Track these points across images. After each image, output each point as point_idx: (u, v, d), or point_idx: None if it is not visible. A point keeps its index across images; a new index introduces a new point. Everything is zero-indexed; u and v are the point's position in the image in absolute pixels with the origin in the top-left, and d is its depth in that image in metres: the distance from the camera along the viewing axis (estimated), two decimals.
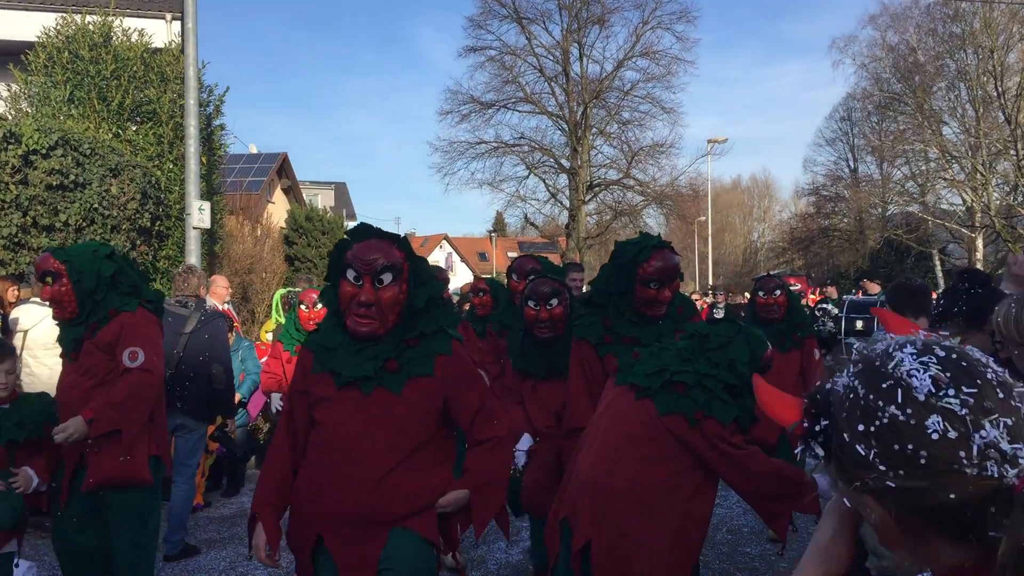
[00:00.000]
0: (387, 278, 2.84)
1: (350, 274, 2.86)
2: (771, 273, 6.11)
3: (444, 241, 58.74)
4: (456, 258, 56.87)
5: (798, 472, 3.15)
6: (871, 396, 1.02)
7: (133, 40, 13.50)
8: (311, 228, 24.15)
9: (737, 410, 3.10)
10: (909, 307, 4.11)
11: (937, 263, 33.24)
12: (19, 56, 13.13)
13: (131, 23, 13.96)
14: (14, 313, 6.56)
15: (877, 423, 1.00)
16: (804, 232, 42.55)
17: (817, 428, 1.10)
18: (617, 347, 3.79)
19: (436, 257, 55.74)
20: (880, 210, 37.19)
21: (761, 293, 6.08)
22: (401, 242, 2.96)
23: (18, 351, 6.26)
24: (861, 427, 1.02)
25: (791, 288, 6.41)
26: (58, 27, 13.25)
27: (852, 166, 42.19)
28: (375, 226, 2.99)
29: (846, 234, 39.82)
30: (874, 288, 12.07)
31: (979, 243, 31.21)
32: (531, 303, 4.45)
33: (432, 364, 2.89)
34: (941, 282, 29.99)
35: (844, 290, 19.04)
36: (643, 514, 3.06)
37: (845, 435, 1.04)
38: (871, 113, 37.75)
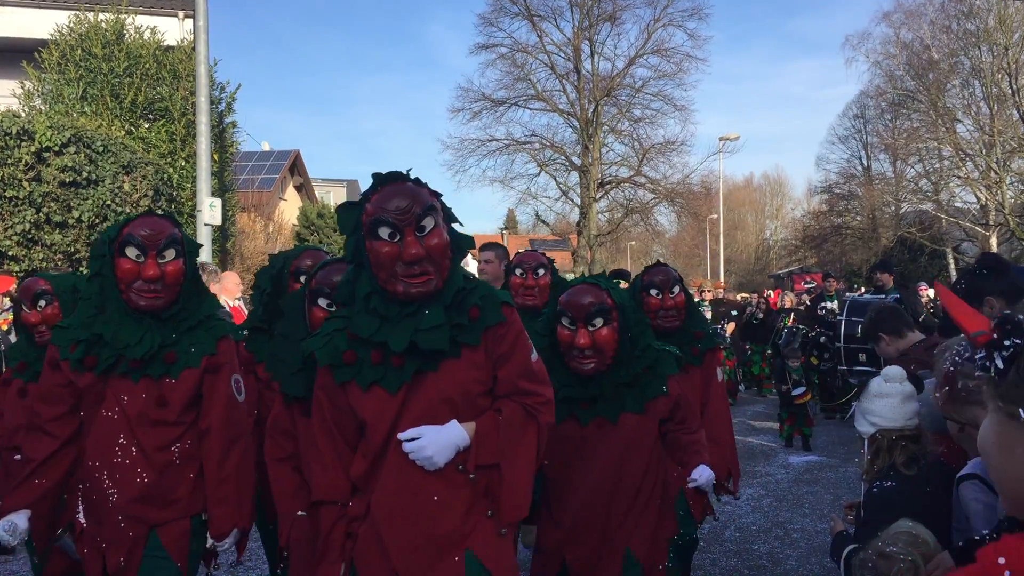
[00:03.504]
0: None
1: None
2: (664, 266, 4.21)
3: None
4: (468, 257, 56.82)
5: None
6: None
7: (146, 38, 13.59)
8: (323, 225, 24.26)
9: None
10: (888, 329, 4.27)
11: (951, 261, 33.04)
12: (32, 54, 13.22)
13: (143, 21, 14.05)
14: None
15: None
16: (817, 230, 42.34)
17: (1007, 342, 1.15)
18: (363, 369, 2.40)
19: None
20: (893, 208, 36.97)
21: (654, 291, 4.00)
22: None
23: None
24: None
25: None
26: (71, 25, 13.33)
27: (865, 164, 41.98)
28: None
29: (859, 232, 39.60)
30: (888, 281, 10.03)
31: (993, 241, 31.00)
32: (321, 300, 2.95)
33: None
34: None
35: (857, 288, 18.81)
36: None
37: None
38: (884, 111, 37.50)
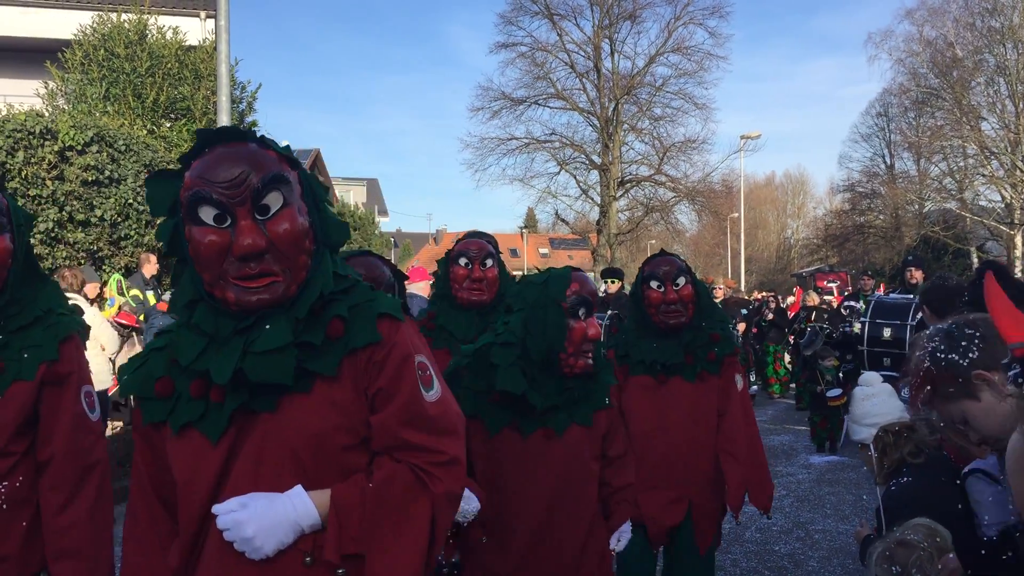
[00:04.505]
0: None
1: None
2: (668, 255, 3.70)
3: None
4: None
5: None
6: None
7: (167, 37, 13.68)
8: None
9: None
10: (948, 307, 4.01)
11: (975, 260, 32.70)
12: (56, 54, 13.32)
13: (165, 21, 14.15)
14: None
15: None
16: (839, 229, 42.09)
17: None
18: (179, 404, 1.72)
19: None
20: (917, 207, 36.68)
21: (654, 283, 3.52)
22: None
23: None
24: None
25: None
26: (94, 25, 13.44)
27: (888, 162, 41.67)
28: None
29: (882, 231, 39.33)
30: (919, 276, 9.23)
31: (1018, 240, 30.66)
32: None
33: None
34: None
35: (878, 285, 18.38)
36: None
37: None
38: (908, 109, 37.19)
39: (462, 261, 3.62)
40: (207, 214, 1.62)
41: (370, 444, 1.72)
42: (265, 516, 1.58)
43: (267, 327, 1.64)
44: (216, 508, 1.61)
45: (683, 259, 3.67)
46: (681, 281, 3.49)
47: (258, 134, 1.75)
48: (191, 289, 1.69)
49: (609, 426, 2.80)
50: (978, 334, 2.06)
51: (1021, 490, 1.09)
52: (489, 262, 3.63)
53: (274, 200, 1.64)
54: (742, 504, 3.57)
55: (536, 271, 2.95)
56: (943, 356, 2.09)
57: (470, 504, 2.42)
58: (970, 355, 2.03)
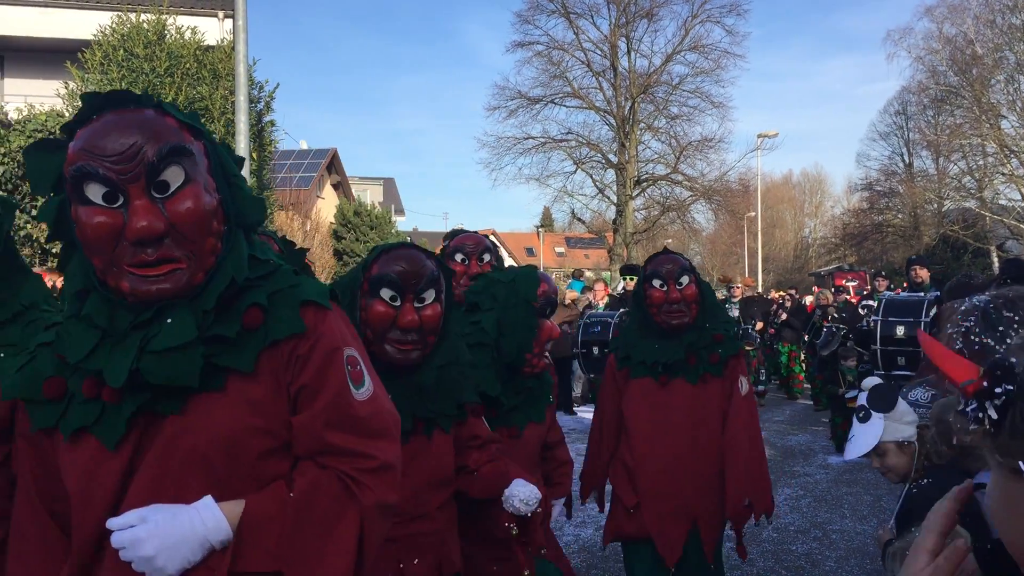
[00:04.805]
0: None
1: None
2: (672, 254, 3.62)
3: (492, 236, 58.88)
4: (503, 253, 56.87)
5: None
6: None
7: (186, 38, 13.78)
8: (359, 223, 24.40)
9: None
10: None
11: (995, 260, 32.43)
12: (76, 54, 13.43)
13: (184, 21, 14.25)
14: None
15: None
16: (857, 228, 41.84)
17: (998, 390, 1.00)
18: (72, 406, 1.55)
19: None
20: (936, 206, 36.43)
21: (656, 282, 3.43)
22: None
23: None
24: None
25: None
26: (113, 25, 13.55)
27: (907, 161, 41.37)
28: None
29: (900, 230, 39.08)
30: (924, 274, 9.34)
31: None
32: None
33: None
34: None
35: (898, 285, 18.17)
36: None
37: None
38: (927, 107, 36.93)
39: (458, 257, 3.40)
40: (95, 192, 1.40)
41: (292, 448, 1.54)
42: (168, 532, 1.38)
43: (168, 321, 1.44)
44: (111, 523, 1.40)
45: (687, 258, 3.61)
46: (684, 280, 3.40)
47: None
48: (81, 277, 1.49)
49: (551, 420, 3.07)
50: (1017, 318, 1.94)
51: (1004, 531, 1.08)
52: (487, 257, 3.43)
53: (174, 176, 1.43)
54: (742, 512, 3.45)
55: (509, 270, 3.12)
56: (977, 338, 1.96)
57: (527, 489, 2.40)
58: (1007, 341, 1.91)
